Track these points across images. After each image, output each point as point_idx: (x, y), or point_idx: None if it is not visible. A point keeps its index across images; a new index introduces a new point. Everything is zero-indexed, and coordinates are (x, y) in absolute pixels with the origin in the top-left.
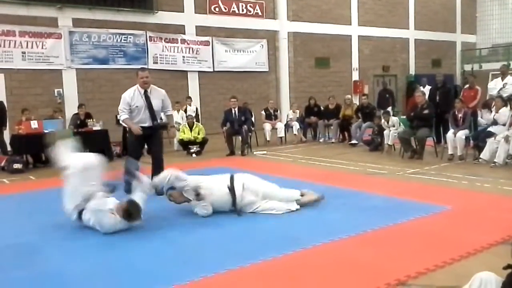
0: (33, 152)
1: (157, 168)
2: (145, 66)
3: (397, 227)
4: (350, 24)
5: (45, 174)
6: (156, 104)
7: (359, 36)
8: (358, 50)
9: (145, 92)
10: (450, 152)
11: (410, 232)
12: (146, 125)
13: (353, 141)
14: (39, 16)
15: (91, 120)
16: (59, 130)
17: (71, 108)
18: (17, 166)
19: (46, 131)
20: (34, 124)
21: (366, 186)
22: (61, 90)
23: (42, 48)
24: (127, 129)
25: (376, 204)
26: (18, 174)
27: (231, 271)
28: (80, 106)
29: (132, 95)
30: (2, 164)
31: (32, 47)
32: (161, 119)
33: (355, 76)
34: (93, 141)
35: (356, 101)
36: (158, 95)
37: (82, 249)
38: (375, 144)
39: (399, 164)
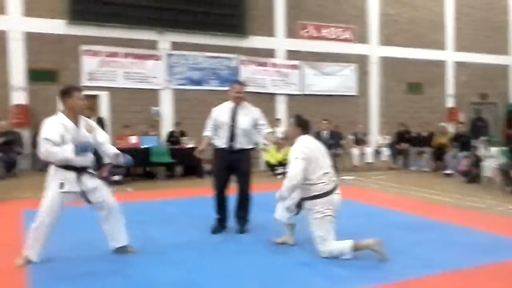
0: (132, 166)
1: (241, 207)
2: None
3: (497, 266)
4: (445, 49)
5: (141, 187)
6: (243, 122)
7: (455, 62)
8: (453, 76)
9: (235, 107)
10: None
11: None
12: (225, 146)
13: (448, 171)
14: (141, 39)
15: (185, 137)
16: (156, 146)
17: (166, 125)
18: (116, 177)
19: (143, 147)
20: (133, 139)
21: (462, 219)
22: (158, 108)
23: (143, 69)
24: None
25: (474, 240)
26: (117, 185)
27: None
28: (176, 124)
29: (219, 109)
30: (103, 175)
31: (133, 68)
32: (256, 144)
33: (450, 103)
34: (185, 158)
35: (450, 129)
36: (249, 113)
37: (173, 261)
38: (472, 175)
39: (498, 198)
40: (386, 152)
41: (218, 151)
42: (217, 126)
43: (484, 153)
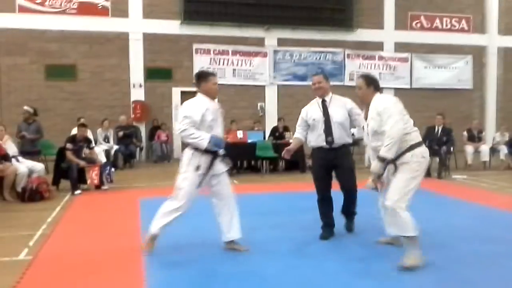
0: (238, 159)
1: (348, 202)
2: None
3: None
4: None
5: (247, 179)
6: (337, 115)
7: None
8: None
9: (323, 101)
10: None
11: None
12: (323, 145)
13: None
14: (249, 36)
15: (289, 132)
16: (260, 141)
17: (271, 121)
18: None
19: (249, 141)
20: (240, 134)
21: None
22: (263, 104)
23: (250, 65)
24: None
25: None
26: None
27: None
28: (279, 119)
29: (308, 107)
30: None
31: (241, 65)
32: (353, 135)
33: None
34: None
35: None
36: (341, 104)
37: (278, 251)
38: None
39: None
40: (504, 150)
41: (316, 151)
42: (310, 126)
43: None
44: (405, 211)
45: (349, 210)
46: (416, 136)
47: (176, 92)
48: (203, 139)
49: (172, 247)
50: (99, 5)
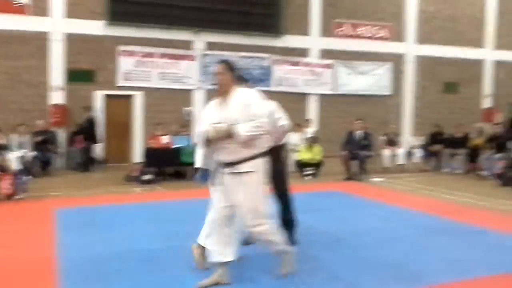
0: (163, 165)
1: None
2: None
3: None
4: (484, 47)
5: (172, 186)
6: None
7: (494, 60)
8: (491, 75)
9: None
10: None
11: None
12: None
13: (483, 173)
14: (177, 39)
15: None
16: (187, 145)
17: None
18: (147, 177)
19: (174, 146)
20: (165, 139)
21: (497, 224)
22: (190, 108)
23: (178, 69)
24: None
25: (509, 244)
26: (148, 184)
27: None
28: None
29: None
30: (134, 174)
31: (168, 68)
32: None
33: (487, 103)
34: None
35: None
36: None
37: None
38: (508, 178)
39: None
40: (418, 153)
41: None
42: None
43: None
44: None
45: (285, 217)
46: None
47: (98, 95)
48: None
49: (89, 259)
50: (15, 2)
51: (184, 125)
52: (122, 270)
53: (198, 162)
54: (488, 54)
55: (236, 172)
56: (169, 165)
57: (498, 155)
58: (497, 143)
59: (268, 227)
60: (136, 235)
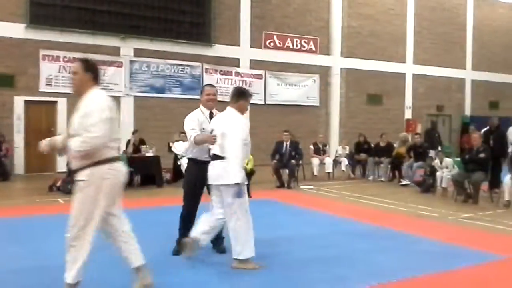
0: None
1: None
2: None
3: (450, 274)
4: (405, 62)
5: None
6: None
7: (413, 74)
8: (412, 88)
9: (211, 113)
10: (506, 198)
11: (463, 279)
12: (203, 158)
13: (404, 182)
14: (104, 45)
15: (145, 146)
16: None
17: (126, 133)
18: (72, 187)
19: None
20: None
21: (416, 228)
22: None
23: (104, 75)
24: (188, 163)
25: (426, 248)
26: (73, 194)
27: None
28: (134, 132)
29: (198, 116)
30: (58, 184)
31: None
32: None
33: (408, 114)
34: (146, 167)
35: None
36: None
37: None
38: (427, 185)
39: (451, 207)
40: (345, 162)
41: (193, 163)
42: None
43: (438, 164)
44: None
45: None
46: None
47: (18, 101)
48: None
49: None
50: None
51: None
52: (50, 285)
53: None
54: (408, 68)
55: (76, 180)
56: None
57: (417, 164)
58: (416, 152)
59: (71, 242)
60: (62, 248)
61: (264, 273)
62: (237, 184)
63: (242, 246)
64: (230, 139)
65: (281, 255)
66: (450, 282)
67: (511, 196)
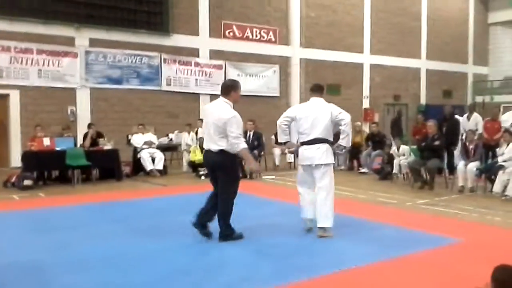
0: (45, 169)
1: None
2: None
3: (409, 258)
4: (362, 53)
5: (55, 191)
6: None
7: (370, 64)
8: (369, 78)
9: None
10: (460, 183)
11: (422, 263)
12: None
13: (363, 170)
14: (57, 35)
15: (103, 139)
16: (70, 148)
17: (83, 126)
18: (27, 182)
19: (58, 149)
20: (46, 141)
21: (376, 215)
22: (74, 108)
23: (58, 66)
24: (230, 157)
25: (386, 234)
26: (28, 190)
27: None
28: (89, 126)
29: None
30: (13, 180)
31: (48, 65)
32: None
33: (366, 104)
34: (104, 160)
35: (365, 128)
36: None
37: (90, 267)
38: (385, 173)
39: (409, 194)
40: None
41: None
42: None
43: (396, 152)
44: None
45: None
46: None
47: None
48: None
49: None
50: None
51: (68, 126)
52: (6, 284)
53: None
54: (366, 58)
55: None
56: (52, 169)
57: (375, 152)
58: (374, 140)
59: None
60: (17, 245)
61: (229, 264)
62: None
63: (332, 215)
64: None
65: (242, 246)
66: (411, 266)
67: (465, 182)
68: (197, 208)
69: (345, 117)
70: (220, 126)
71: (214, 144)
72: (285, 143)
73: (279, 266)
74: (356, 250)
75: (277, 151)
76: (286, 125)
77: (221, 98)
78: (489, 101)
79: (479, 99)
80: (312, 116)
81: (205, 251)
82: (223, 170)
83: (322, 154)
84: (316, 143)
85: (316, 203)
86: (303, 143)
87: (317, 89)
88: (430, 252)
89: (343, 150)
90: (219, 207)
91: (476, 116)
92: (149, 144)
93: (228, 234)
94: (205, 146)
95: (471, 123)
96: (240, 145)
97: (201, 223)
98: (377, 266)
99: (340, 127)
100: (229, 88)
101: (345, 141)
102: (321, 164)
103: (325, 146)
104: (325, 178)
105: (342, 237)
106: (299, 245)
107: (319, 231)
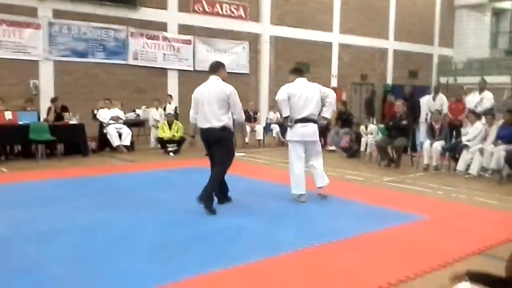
0: (7, 144)
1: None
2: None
3: (376, 234)
4: (331, 31)
5: (18, 166)
6: None
7: (339, 43)
8: (338, 57)
9: None
10: (425, 162)
11: (389, 239)
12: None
13: (331, 147)
14: (19, 4)
15: (68, 113)
16: (34, 122)
17: (46, 100)
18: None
19: (20, 123)
20: (8, 115)
21: (344, 192)
22: (37, 81)
23: (20, 37)
24: (230, 133)
25: (355, 210)
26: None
27: (213, 273)
28: (53, 100)
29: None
30: None
31: (9, 36)
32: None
33: (334, 82)
34: (69, 135)
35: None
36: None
37: (58, 246)
38: (352, 151)
39: (376, 171)
40: (276, 128)
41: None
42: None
43: (363, 130)
44: None
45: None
46: None
47: None
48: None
49: None
50: None
51: (31, 99)
52: None
53: None
54: (335, 37)
55: None
56: (14, 144)
57: (343, 130)
58: (342, 119)
59: None
60: None
61: (198, 239)
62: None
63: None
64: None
65: (215, 221)
66: (381, 241)
67: (430, 160)
68: (168, 184)
69: (331, 93)
70: (223, 100)
71: (217, 121)
72: (286, 117)
73: (250, 240)
74: (328, 226)
75: (247, 128)
76: (286, 100)
77: (213, 76)
78: (453, 82)
79: (443, 80)
80: (305, 94)
81: (179, 227)
82: (225, 144)
83: (314, 132)
84: (309, 121)
85: (317, 169)
86: (297, 121)
87: (300, 71)
88: (398, 228)
89: (325, 122)
90: (215, 173)
91: (441, 96)
92: (115, 119)
93: (210, 198)
94: (204, 125)
95: (436, 103)
96: (243, 115)
97: (220, 196)
98: (348, 242)
99: (327, 101)
100: (219, 65)
101: (328, 113)
102: (315, 140)
103: (316, 125)
104: (318, 148)
105: (312, 213)
106: (270, 221)
107: (320, 190)
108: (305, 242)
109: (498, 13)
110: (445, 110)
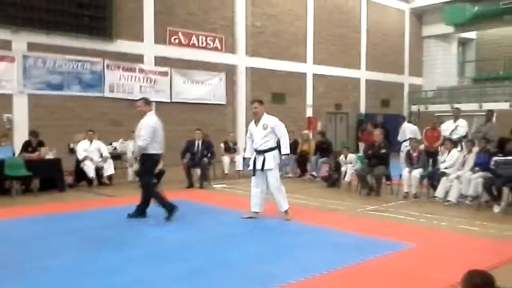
0: None
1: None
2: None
3: (367, 264)
4: (306, 62)
5: None
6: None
7: (313, 74)
8: (312, 87)
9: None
10: (405, 190)
11: (381, 269)
12: None
13: (314, 173)
14: None
15: (44, 148)
16: (9, 158)
17: (21, 134)
18: None
19: None
20: None
21: (329, 222)
22: (11, 115)
23: None
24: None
25: (342, 241)
26: None
27: None
28: (32, 133)
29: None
30: None
31: None
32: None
33: (309, 112)
34: (46, 170)
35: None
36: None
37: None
38: (333, 180)
39: (357, 200)
40: None
41: None
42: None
43: (343, 159)
44: None
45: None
46: None
47: None
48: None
49: None
50: None
51: (5, 134)
52: None
53: None
54: (309, 68)
55: None
56: None
57: (322, 159)
58: (321, 148)
59: None
60: None
61: (191, 274)
62: None
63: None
64: None
65: (201, 255)
66: (371, 272)
67: (409, 188)
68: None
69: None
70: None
71: None
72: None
73: (238, 274)
74: (317, 258)
75: (226, 159)
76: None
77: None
78: (423, 110)
79: (414, 108)
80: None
81: (165, 262)
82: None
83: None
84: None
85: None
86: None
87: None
88: (388, 257)
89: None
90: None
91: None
92: (104, 160)
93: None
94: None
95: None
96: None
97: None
98: (340, 273)
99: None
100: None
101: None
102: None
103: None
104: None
105: (300, 244)
106: (257, 253)
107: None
108: (297, 275)
109: (463, 43)
110: (418, 137)
